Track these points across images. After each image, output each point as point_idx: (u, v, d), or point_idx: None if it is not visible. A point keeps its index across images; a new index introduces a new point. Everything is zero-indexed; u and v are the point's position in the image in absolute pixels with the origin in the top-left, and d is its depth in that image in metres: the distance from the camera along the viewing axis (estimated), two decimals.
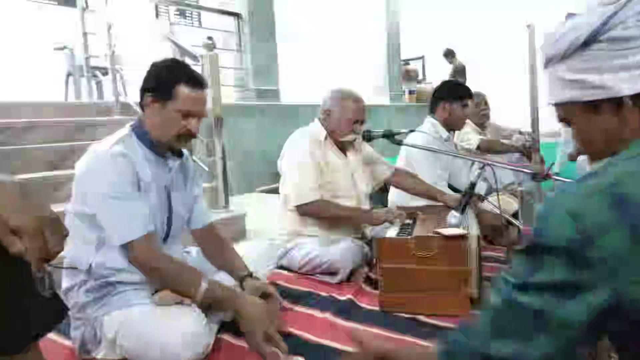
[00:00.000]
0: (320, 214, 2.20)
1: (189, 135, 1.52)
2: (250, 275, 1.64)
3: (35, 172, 2.62)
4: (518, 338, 0.63)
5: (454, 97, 2.66)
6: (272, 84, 5.38)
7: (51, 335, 1.48)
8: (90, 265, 1.44)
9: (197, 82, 1.49)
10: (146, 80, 1.51)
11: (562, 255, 0.61)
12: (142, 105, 1.52)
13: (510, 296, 0.65)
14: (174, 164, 1.58)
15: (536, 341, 0.62)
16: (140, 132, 1.51)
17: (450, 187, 2.73)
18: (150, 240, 1.44)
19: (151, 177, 1.49)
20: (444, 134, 2.68)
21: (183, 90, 1.46)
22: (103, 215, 1.41)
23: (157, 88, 1.47)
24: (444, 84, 2.87)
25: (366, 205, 2.39)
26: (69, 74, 5.05)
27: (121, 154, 1.42)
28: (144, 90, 1.50)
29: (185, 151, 1.68)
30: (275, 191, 2.60)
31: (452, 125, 2.71)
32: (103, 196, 1.39)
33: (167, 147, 1.56)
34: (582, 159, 3.32)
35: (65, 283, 1.49)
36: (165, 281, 1.46)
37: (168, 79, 1.47)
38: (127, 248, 1.41)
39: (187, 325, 1.35)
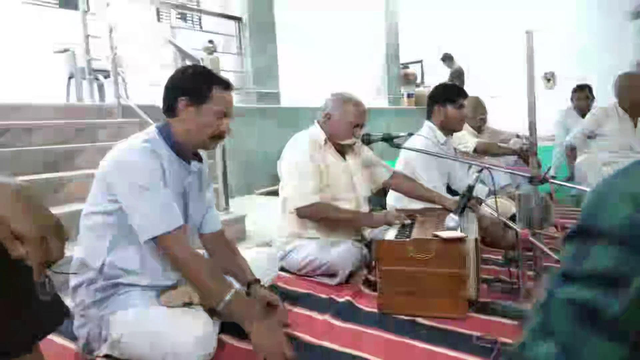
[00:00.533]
0: (320, 216, 2.22)
1: (221, 136, 1.58)
2: (257, 281, 1.67)
3: (36, 174, 2.63)
4: (567, 339, 0.55)
5: (448, 99, 2.68)
6: (273, 87, 5.41)
7: (52, 335, 1.49)
8: (102, 265, 1.45)
9: (227, 84, 1.57)
10: (178, 85, 1.55)
11: (617, 239, 0.54)
12: (170, 109, 1.55)
13: (557, 290, 0.58)
14: (195, 168, 1.62)
15: (589, 344, 0.53)
16: (165, 135, 1.54)
17: (449, 189, 2.75)
18: (184, 234, 1.46)
19: (173, 180, 1.52)
20: (442, 138, 2.69)
21: (218, 92, 1.52)
22: (134, 207, 1.40)
23: (193, 92, 1.52)
24: (437, 87, 2.89)
25: (365, 208, 2.40)
26: (70, 76, 5.07)
27: (152, 150, 1.45)
28: (174, 95, 1.53)
29: (203, 157, 1.71)
30: (275, 193, 2.61)
31: (449, 128, 2.72)
32: (136, 187, 1.40)
33: (196, 149, 1.61)
34: (579, 160, 3.32)
35: (73, 280, 1.50)
36: (193, 280, 1.45)
37: (203, 83, 1.52)
38: (157, 242, 1.41)
39: (198, 327, 1.37)
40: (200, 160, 1.67)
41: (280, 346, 1.36)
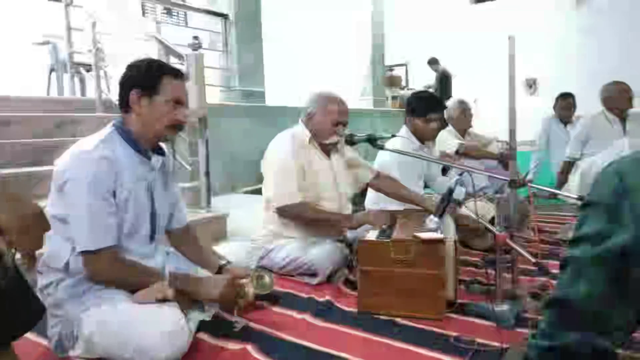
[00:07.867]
0: (300, 216, 2.22)
1: (179, 125, 1.58)
2: (228, 263, 1.75)
3: (16, 168, 2.59)
4: (570, 285, 0.75)
5: (418, 113, 2.69)
6: (258, 85, 5.38)
7: (26, 334, 1.47)
8: (67, 263, 1.43)
9: (179, 72, 1.59)
10: (129, 79, 1.54)
11: (604, 207, 0.70)
12: (124, 104, 1.54)
13: (567, 252, 0.77)
14: (157, 162, 1.60)
15: (576, 283, 0.73)
16: (122, 132, 1.53)
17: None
18: (115, 253, 1.45)
19: (134, 177, 1.50)
20: (415, 144, 2.70)
21: (169, 80, 1.53)
22: (75, 219, 1.41)
23: (144, 83, 1.51)
24: (411, 97, 2.88)
25: (348, 208, 2.41)
26: (52, 69, 4.98)
27: (104, 157, 1.42)
28: (127, 89, 1.52)
29: (166, 150, 1.69)
30: (259, 192, 2.60)
31: (421, 138, 2.73)
32: (79, 201, 1.39)
33: (156, 141, 1.59)
34: (582, 173, 3.34)
35: (42, 280, 1.47)
36: (125, 287, 1.47)
37: (153, 72, 1.53)
38: (88, 255, 1.41)
39: (164, 325, 1.35)
40: (162, 153, 1.65)
41: (229, 293, 1.55)
